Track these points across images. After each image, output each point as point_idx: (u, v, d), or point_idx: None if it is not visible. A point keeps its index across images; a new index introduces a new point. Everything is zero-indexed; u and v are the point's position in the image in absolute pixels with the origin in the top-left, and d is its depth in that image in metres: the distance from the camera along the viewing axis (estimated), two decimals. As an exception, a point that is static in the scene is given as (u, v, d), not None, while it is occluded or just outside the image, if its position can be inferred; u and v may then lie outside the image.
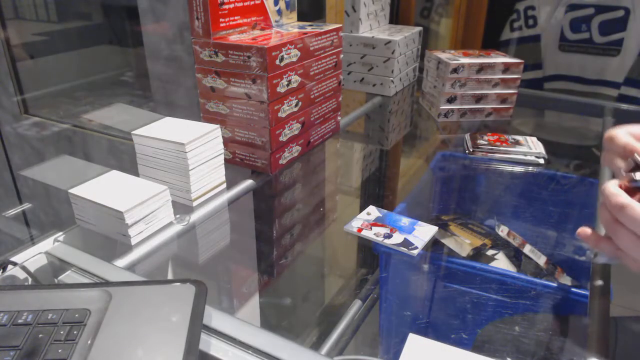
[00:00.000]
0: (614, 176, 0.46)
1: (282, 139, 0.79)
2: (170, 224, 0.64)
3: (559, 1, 1.54)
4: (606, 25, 1.48)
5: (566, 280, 0.74)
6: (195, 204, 0.69)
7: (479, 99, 1.05)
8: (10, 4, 1.62)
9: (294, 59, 0.76)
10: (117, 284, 0.44)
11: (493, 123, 1.07)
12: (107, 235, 0.60)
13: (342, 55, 0.90)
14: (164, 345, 0.37)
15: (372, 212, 0.70)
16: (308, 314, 0.73)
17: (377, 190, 0.94)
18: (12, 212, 1.72)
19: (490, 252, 0.75)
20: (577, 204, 0.82)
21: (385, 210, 0.70)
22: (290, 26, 0.86)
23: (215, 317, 0.45)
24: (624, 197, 0.40)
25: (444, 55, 1.07)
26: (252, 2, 0.79)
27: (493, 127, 1.05)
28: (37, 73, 1.72)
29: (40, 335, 0.37)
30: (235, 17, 0.77)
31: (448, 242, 0.72)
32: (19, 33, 1.63)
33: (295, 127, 0.81)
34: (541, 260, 0.74)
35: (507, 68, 1.03)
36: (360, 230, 0.66)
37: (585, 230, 0.48)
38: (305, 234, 0.76)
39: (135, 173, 0.70)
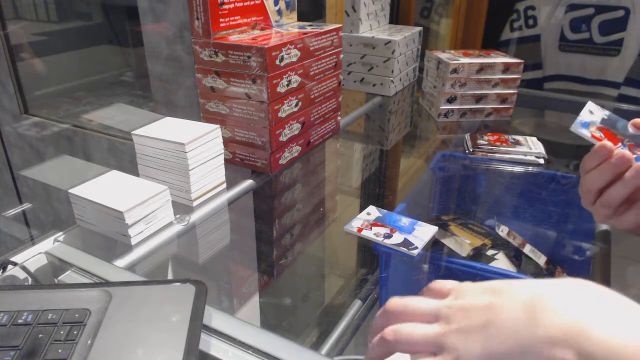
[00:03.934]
0: None
1: (282, 139, 0.79)
2: (170, 224, 0.64)
3: (559, 1, 1.54)
4: (606, 25, 1.48)
5: (566, 280, 0.74)
6: (195, 204, 0.69)
7: (479, 99, 1.05)
8: (10, 4, 1.62)
9: (294, 59, 0.76)
10: (117, 284, 0.44)
11: (493, 123, 1.07)
12: (107, 235, 0.60)
13: (342, 55, 0.90)
14: (164, 345, 0.37)
15: (372, 212, 0.70)
16: (308, 314, 0.73)
17: (377, 190, 0.94)
18: (12, 212, 1.72)
19: (490, 252, 0.74)
20: (577, 204, 0.82)
21: (385, 210, 0.70)
22: (290, 26, 0.86)
23: (215, 317, 0.45)
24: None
25: (444, 55, 1.07)
26: (252, 2, 0.79)
27: (493, 127, 1.05)
28: (37, 73, 1.72)
29: (40, 335, 0.37)
30: (235, 17, 0.77)
31: (448, 242, 0.72)
32: (19, 33, 1.63)
33: (295, 127, 0.81)
34: (541, 260, 0.74)
35: (507, 68, 1.03)
36: (360, 230, 0.66)
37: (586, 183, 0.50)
38: (305, 234, 0.76)
39: (135, 173, 0.70)
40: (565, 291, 0.29)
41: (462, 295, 0.34)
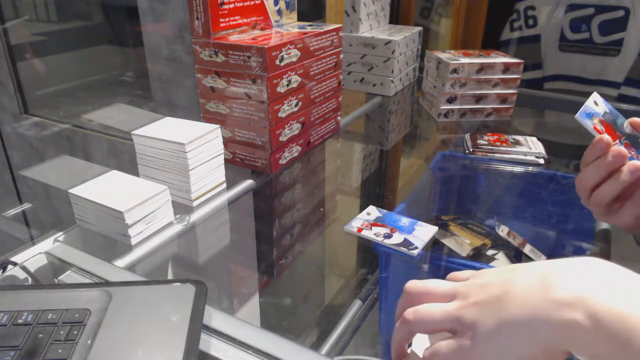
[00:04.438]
0: None
1: (282, 139, 0.79)
2: (170, 224, 0.64)
3: (559, 1, 1.54)
4: (606, 25, 1.48)
5: (566, 280, 0.74)
6: (195, 204, 0.69)
7: (479, 99, 1.05)
8: (10, 4, 1.62)
9: (294, 59, 0.76)
10: (117, 284, 0.44)
11: (493, 123, 1.07)
12: (107, 235, 0.60)
13: (342, 55, 0.90)
14: (164, 345, 0.37)
15: (372, 212, 0.70)
16: (308, 314, 0.73)
17: (377, 190, 0.94)
18: (12, 212, 1.72)
19: (490, 252, 0.74)
20: (577, 204, 0.82)
21: (385, 210, 0.70)
22: (290, 26, 0.86)
23: (215, 317, 0.45)
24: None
25: (444, 55, 1.07)
26: (252, 2, 0.79)
27: (493, 127, 1.05)
28: (37, 73, 1.72)
29: (40, 335, 0.37)
30: (235, 17, 0.77)
31: (448, 242, 0.72)
32: (19, 33, 1.63)
33: (295, 127, 0.81)
34: (541, 260, 0.74)
35: (507, 68, 1.03)
36: (360, 230, 0.66)
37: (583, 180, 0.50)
38: (305, 234, 0.76)
39: (135, 173, 0.70)
40: (578, 264, 0.31)
41: (480, 276, 0.35)
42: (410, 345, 0.37)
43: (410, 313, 0.34)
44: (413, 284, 0.37)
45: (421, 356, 0.35)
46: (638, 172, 0.46)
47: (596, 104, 0.52)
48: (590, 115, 0.50)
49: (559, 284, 0.29)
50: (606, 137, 0.48)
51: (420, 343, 0.37)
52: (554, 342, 0.28)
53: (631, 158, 0.47)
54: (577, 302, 0.28)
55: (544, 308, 0.29)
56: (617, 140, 0.49)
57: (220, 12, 0.73)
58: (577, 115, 0.50)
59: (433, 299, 0.35)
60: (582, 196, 0.52)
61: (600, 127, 0.50)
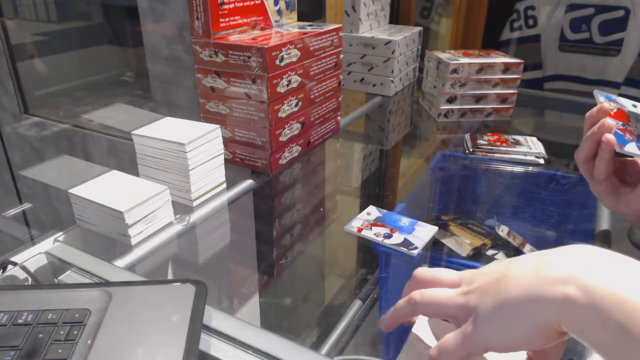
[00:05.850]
0: None
1: (282, 139, 0.79)
2: (170, 224, 0.64)
3: (559, 1, 1.54)
4: (606, 25, 1.48)
5: (566, 280, 0.74)
6: (195, 204, 0.69)
7: (479, 99, 1.05)
8: (10, 4, 1.62)
9: (294, 59, 0.76)
10: (117, 284, 0.44)
11: (493, 123, 1.07)
12: (107, 235, 0.60)
13: (342, 55, 0.90)
14: (164, 346, 0.37)
15: (372, 212, 0.70)
16: (308, 314, 0.73)
17: (377, 190, 0.93)
18: (12, 212, 1.72)
19: (490, 252, 0.74)
20: (577, 204, 0.82)
21: (385, 210, 0.70)
22: (290, 26, 0.86)
23: (215, 317, 0.45)
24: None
25: (444, 55, 1.07)
26: (252, 2, 0.79)
27: (493, 127, 1.05)
28: (37, 73, 1.72)
29: (40, 335, 0.37)
30: (235, 17, 0.77)
31: (448, 242, 0.72)
32: (19, 33, 1.63)
33: (295, 127, 0.81)
34: (541, 260, 0.74)
35: (507, 68, 1.03)
36: (360, 230, 0.66)
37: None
38: (305, 234, 0.76)
39: (135, 173, 0.70)
40: (573, 248, 0.32)
41: (484, 267, 0.36)
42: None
43: (417, 294, 0.36)
44: (422, 271, 0.38)
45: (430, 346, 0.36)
46: (607, 144, 0.48)
47: (635, 105, 0.52)
48: (610, 99, 0.50)
49: (553, 263, 0.31)
50: (605, 105, 0.48)
51: (422, 327, 0.38)
52: (547, 319, 0.29)
53: (624, 140, 0.47)
54: (570, 278, 0.29)
55: (538, 285, 0.30)
56: (622, 123, 0.48)
57: (220, 12, 0.73)
58: (595, 91, 0.50)
59: (440, 286, 0.37)
60: (585, 175, 0.53)
61: (608, 105, 0.49)
